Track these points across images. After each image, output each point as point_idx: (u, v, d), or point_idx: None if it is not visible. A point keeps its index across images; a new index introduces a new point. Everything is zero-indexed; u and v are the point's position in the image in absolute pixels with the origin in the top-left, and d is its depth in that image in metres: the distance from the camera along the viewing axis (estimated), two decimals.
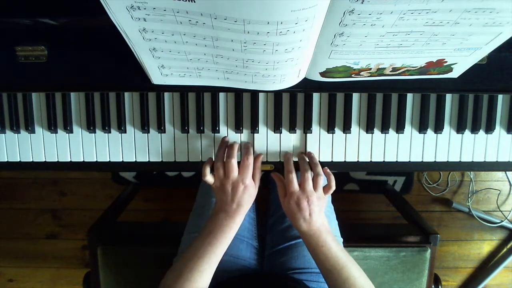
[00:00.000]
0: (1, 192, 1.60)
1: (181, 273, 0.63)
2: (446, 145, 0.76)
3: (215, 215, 0.68)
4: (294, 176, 0.68)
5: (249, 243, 0.88)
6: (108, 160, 0.76)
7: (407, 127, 0.75)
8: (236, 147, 0.70)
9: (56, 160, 0.76)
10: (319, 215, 0.67)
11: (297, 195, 0.67)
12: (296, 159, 0.75)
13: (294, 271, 0.81)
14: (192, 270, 0.63)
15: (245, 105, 0.74)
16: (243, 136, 0.75)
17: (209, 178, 0.69)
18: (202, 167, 0.70)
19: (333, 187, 0.70)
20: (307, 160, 0.73)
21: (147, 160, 0.76)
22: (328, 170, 0.72)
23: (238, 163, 0.69)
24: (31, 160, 0.76)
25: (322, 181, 0.69)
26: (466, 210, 1.58)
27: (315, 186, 0.68)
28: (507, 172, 1.56)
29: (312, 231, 0.67)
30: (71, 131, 0.75)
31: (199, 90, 0.71)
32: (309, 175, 0.68)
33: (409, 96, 0.75)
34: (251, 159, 0.68)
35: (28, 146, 0.76)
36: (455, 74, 0.65)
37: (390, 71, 0.62)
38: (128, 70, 0.65)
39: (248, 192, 0.67)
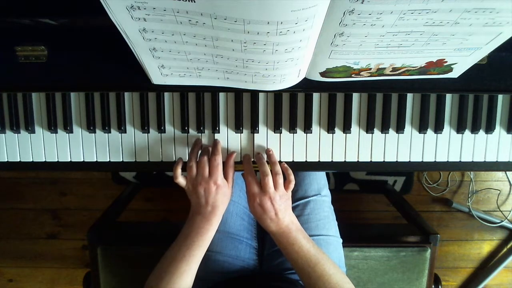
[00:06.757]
0: (1, 192, 1.60)
1: (162, 276, 0.64)
2: (446, 145, 0.76)
3: (191, 218, 0.68)
4: (253, 178, 0.67)
5: (249, 243, 0.88)
6: (108, 160, 0.76)
7: (407, 127, 0.75)
8: (208, 148, 0.70)
9: (56, 160, 0.76)
10: (285, 213, 0.68)
11: (259, 198, 0.66)
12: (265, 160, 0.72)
13: (290, 271, 0.81)
14: (172, 273, 0.64)
15: (245, 105, 0.74)
16: (243, 136, 0.75)
17: (181, 180, 0.68)
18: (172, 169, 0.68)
19: (293, 181, 0.69)
20: (265, 159, 0.71)
21: (147, 160, 0.76)
22: (286, 165, 0.70)
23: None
24: (31, 160, 0.76)
25: (281, 179, 0.68)
26: (466, 210, 1.58)
27: (275, 186, 0.67)
28: (507, 172, 1.56)
29: (281, 230, 0.67)
30: (71, 131, 0.75)
31: (199, 90, 0.71)
32: (270, 178, 0.67)
33: (409, 96, 0.75)
34: (219, 158, 0.67)
35: (28, 146, 0.76)
36: (455, 74, 0.65)
37: (390, 71, 0.62)
38: (128, 70, 0.65)
39: (221, 192, 0.67)
